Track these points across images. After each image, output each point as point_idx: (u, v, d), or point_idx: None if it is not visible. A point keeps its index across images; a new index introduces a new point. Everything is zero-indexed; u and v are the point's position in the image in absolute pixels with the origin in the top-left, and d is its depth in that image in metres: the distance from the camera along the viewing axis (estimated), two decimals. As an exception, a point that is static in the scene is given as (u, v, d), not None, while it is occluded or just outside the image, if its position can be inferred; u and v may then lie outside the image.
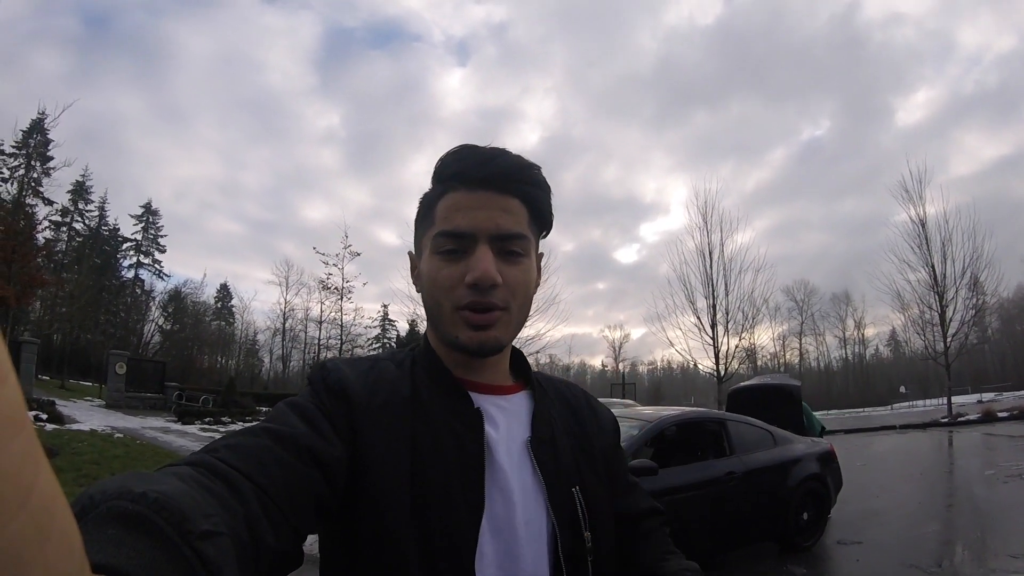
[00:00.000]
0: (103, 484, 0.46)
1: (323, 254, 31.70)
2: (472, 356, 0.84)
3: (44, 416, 14.88)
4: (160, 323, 52.39)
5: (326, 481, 0.69)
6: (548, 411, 0.91)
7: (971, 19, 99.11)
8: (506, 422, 0.86)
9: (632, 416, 5.91)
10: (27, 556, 0.23)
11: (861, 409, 44.23)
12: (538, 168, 0.88)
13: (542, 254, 0.95)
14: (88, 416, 18.13)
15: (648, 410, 6.76)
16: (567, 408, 0.97)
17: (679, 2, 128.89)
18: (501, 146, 0.87)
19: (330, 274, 31.68)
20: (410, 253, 0.95)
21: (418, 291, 0.91)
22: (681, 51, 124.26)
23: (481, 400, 0.85)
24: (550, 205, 0.90)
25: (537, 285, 0.91)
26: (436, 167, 0.87)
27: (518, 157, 0.86)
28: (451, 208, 0.83)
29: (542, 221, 0.90)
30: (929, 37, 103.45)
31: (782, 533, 5.92)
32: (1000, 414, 21.89)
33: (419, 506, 0.74)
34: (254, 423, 0.73)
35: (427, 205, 0.88)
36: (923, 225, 25.18)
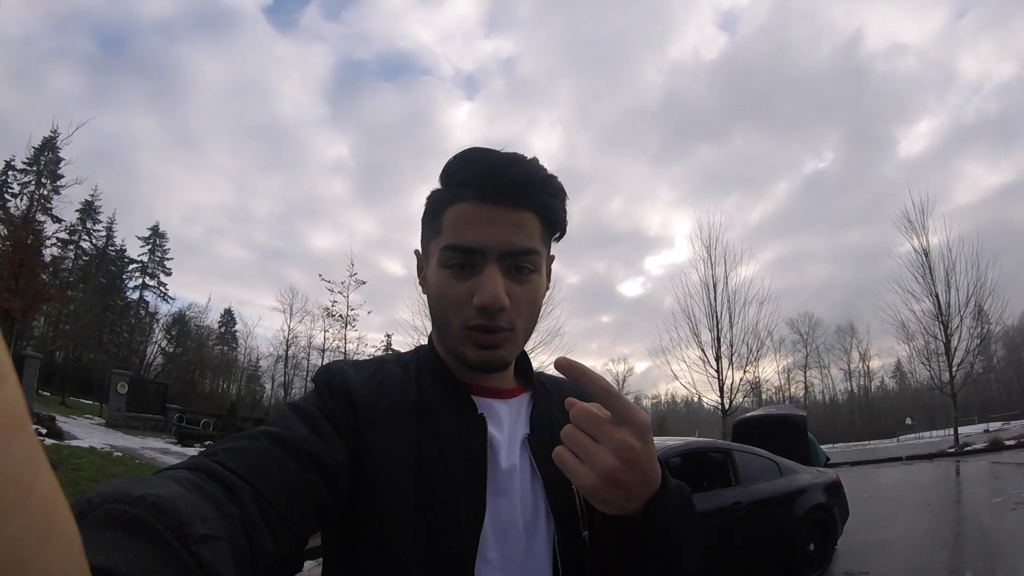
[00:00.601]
0: (101, 487, 0.46)
1: (328, 282, 31.73)
2: (477, 372, 0.84)
3: (44, 431, 14.92)
4: (163, 345, 52.35)
5: (327, 485, 0.68)
6: (549, 410, 0.90)
7: (971, 48, 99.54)
8: (509, 424, 0.86)
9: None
10: (27, 556, 0.23)
11: (867, 442, 44.02)
12: (555, 178, 0.85)
13: (553, 256, 0.93)
14: (88, 433, 18.09)
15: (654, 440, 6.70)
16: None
17: (684, 36, 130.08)
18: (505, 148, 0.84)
19: (335, 302, 31.66)
20: (417, 252, 0.93)
21: (423, 293, 0.90)
22: (686, 85, 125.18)
23: (485, 403, 0.85)
24: (565, 211, 0.87)
25: (547, 290, 0.90)
26: (445, 169, 0.84)
27: (534, 165, 0.83)
28: (460, 220, 0.80)
29: (555, 228, 0.88)
30: (930, 67, 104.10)
31: (788, 564, 5.82)
32: (1007, 442, 21.72)
33: (422, 510, 0.74)
34: (256, 427, 0.73)
35: (435, 208, 0.85)
36: (926, 255, 25.11)
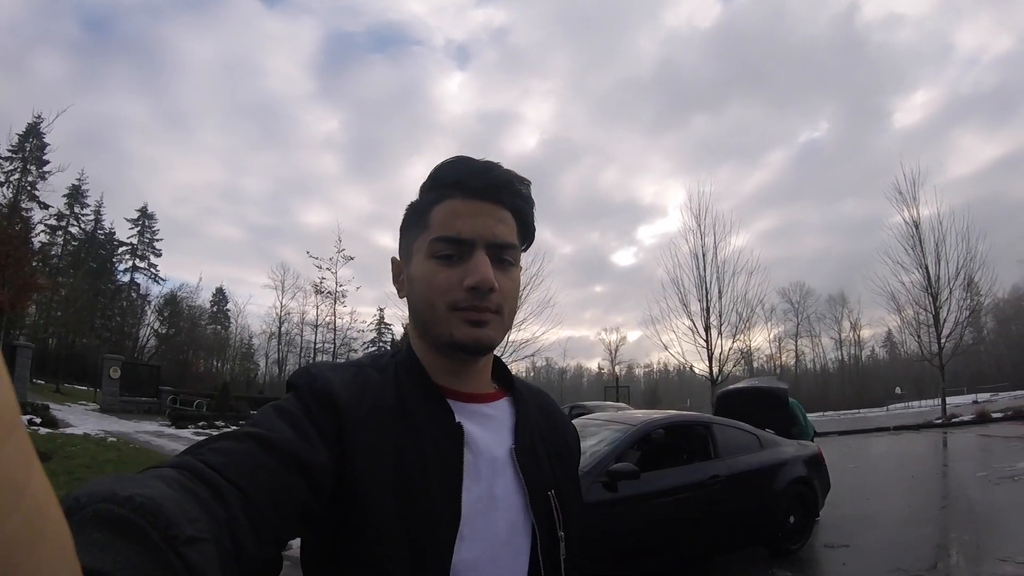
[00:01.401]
0: (89, 486, 0.46)
1: (316, 258, 31.70)
2: (466, 353, 0.86)
3: (38, 420, 14.94)
4: (156, 327, 52.24)
5: (311, 488, 0.68)
6: (528, 418, 0.93)
7: (970, 19, 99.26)
8: (490, 430, 0.87)
9: (617, 420, 5.89)
10: (19, 557, 0.23)
11: (857, 410, 44.37)
12: (528, 184, 0.92)
13: (522, 267, 0.96)
14: (82, 420, 18.15)
15: (637, 414, 6.74)
16: (544, 414, 1.00)
17: (678, 4, 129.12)
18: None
19: (323, 278, 31.66)
20: (394, 259, 0.97)
21: (401, 297, 0.93)
22: (680, 54, 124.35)
23: (464, 408, 0.86)
24: (533, 219, 0.93)
25: (519, 293, 0.95)
26: (432, 174, 0.90)
27: (511, 171, 0.90)
28: (450, 214, 0.85)
29: (527, 234, 0.93)
30: (928, 38, 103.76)
31: (769, 537, 5.91)
32: (995, 415, 21.89)
33: (402, 513, 0.75)
34: (240, 426, 0.72)
35: (419, 211, 0.89)
36: (917, 227, 25.23)
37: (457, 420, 0.84)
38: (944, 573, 5.37)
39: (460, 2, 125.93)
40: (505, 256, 0.86)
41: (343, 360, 1.00)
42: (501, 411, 0.92)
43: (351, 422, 0.77)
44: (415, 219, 0.90)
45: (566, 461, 0.97)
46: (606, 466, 4.78)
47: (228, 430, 0.71)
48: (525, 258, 0.99)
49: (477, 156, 0.90)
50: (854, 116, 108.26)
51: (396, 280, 0.95)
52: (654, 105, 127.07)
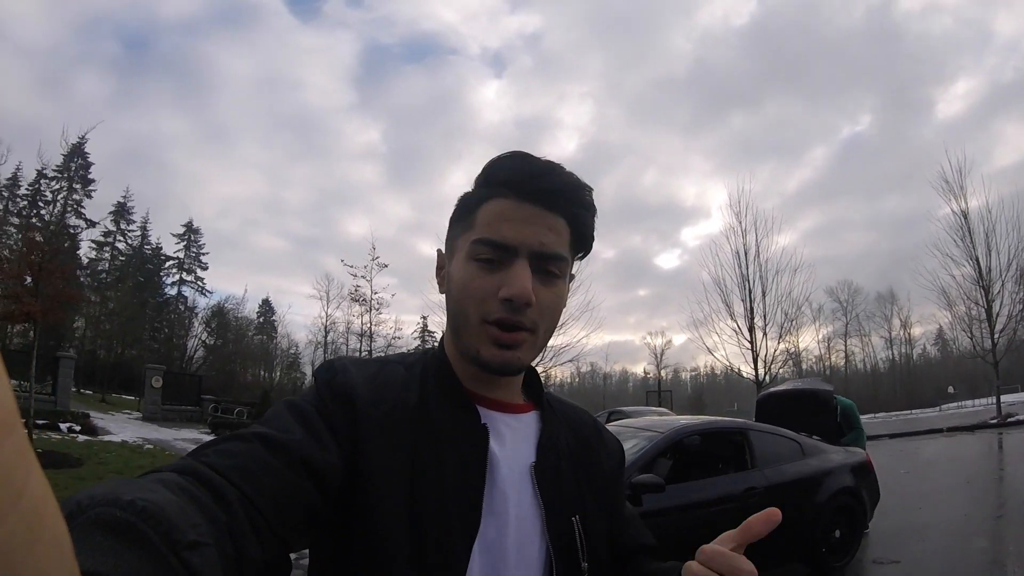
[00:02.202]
0: (91, 490, 0.46)
1: (351, 266, 32.00)
2: (491, 373, 0.82)
3: (77, 428, 15.47)
4: (203, 338, 53.47)
5: (319, 490, 0.67)
6: (556, 436, 0.89)
7: (1006, 5, 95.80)
8: (512, 442, 0.84)
9: (646, 427, 5.60)
10: (17, 558, 0.23)
11: (908, 411, 43.18)
12: (590, 190, 0.86)
13: (573, 276, 0.92)
14: (122, 428, 18.59)
15: (670, 420, 6.42)
16: (574, 434, 0.94)
17: (712, 2, 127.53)
18: (538, 155, 0.84)
19: (358, 286, 31.96)
20: (439, 251, 0.92)
21: (441, 292, 0.90)
22: (716, 52, 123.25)
23: (489, 417, 0.83)
24: (593, 228, 0.88)
25: (564, 306, 0.88)
26: (485, 169, 0.85)
27: (572, 175, 0.84)
28: (496, 216, 0.80)
29: (582, 243, 0.88)
30: (966, 26, 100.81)
31: (811, 553, 5.51)
32: (1053, 413, 20.91)
33: (415, 519, 0.72)
34: (250, 426, 0.70)
35: (468, 206, 0.85)
36: (965, 217, 24.49)
37: (483, 422, 0.81)
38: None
39: (493, 9, 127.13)
40: (550, 268, 0.81)
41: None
42: (526, 425, 0.88)
43: (367, 421, 0.75)
44: (463, 214, 0.86)
45: (597, 484, 0.91)
46: (629, 477, 4.47)
47: (237, 430, 0.68)
48: None
49: (537, 156, 0.84)
50: (895, 109, 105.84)
51: (438, 273, 0.91)
52: (691, 104, 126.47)
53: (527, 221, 0.80)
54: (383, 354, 1.02)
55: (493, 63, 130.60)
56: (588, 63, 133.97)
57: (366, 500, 0.72)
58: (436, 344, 0.93)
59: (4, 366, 0.24)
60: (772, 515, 0.68)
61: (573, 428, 0.95)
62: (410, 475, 0.74)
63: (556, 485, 0.84)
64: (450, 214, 0.88)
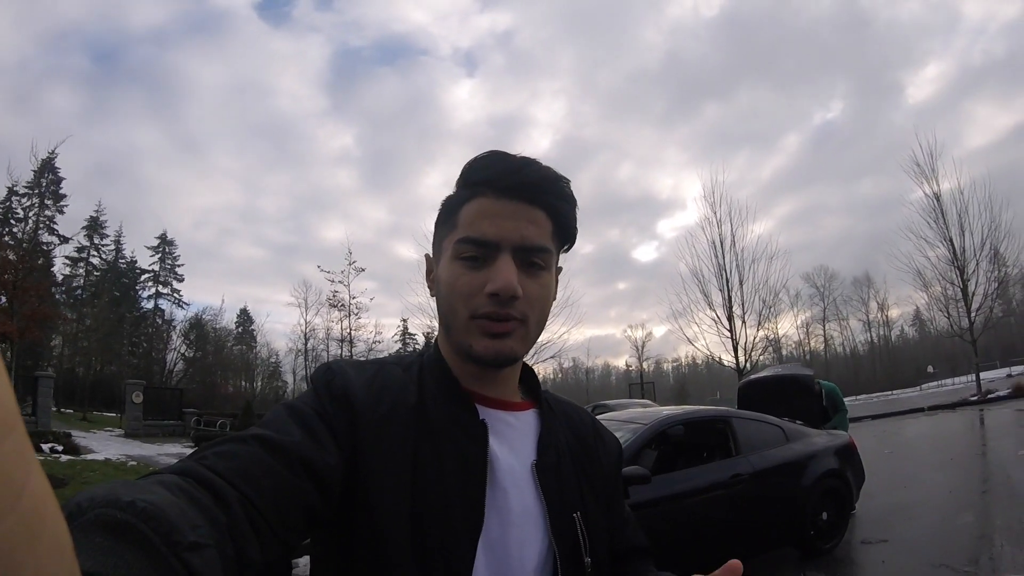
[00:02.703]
0: (91, 491, 0.46)
1: (328, 272, 31.80)
2: (485, 366, 0.83)
3: (60, 448, 15.11)
4: (182, 351, 52.95)
5: (319, 492, 0.67)
6: (555, 433, 0.90)
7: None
8: (512, 440, 0.84)
9: (630, 419, 5.58)
10: (17, 558, 0.23)
11: (890, 392, 43.64)
12: (567, 181, 0.86)
13: (560, 268, 0.93)
14: (105, 446, 18.32)
15: (652, 410, 6.41)
16: (573, 432, 0.95)
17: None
18: (513, 152, 0.85)
19: (336, 292, 31.75)
20: (427, 256, 0.93)
21: (432, 295, 0.90)
22: (687, 44, 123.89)
23: (488, 414, 0.84)
24: (575, 219, 0.88)
25: (553, 298, 0.89)
26: (464, 170, 0.86)
27: (548, 168, 0.85)
28: (477, 214, 0.81)
29: (566, 235, 0.88)
30: (934, 10, 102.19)
31: (800, 536, 5.53)
32: (1031, 387, 21.22)
33: (417, 519, 0.72)
34: (248, 428, 0.70)
35: (450, 209, 0.86)
36: (938, 199, 24.87)
37: (481, 418, 0.82)
38: (991, 566, 4.97)
39: (463, 9, 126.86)
40: (534, 260, 0.82)
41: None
42: (525, 422, 0.88)
43: (367, 422, 0.76)
44: (446, 216, 0.87)
45: (597, 481, 0.92)
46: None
47: (236, 432, 0.68)
48: None
49: (513, 153, 0.85)
50: (867, 94, 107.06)
51: (427, 277, 0.93)
52: (664, 97, 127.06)
53: (507, 216, 0.80)
54: (364, 358, 1.00)
55: (465, 63, 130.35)
56: (560, 59, 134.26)
57: (367, 501, 0.72)
58: (431, 345, 0.93)
59: (4, 366, 0.24)
60: (733, 569, 0.71)
61: (572, 426, 0.96)
62: (411, 475, 0.74)
63: (557, 483, 0.84)
64: (433, 217, 0.89)
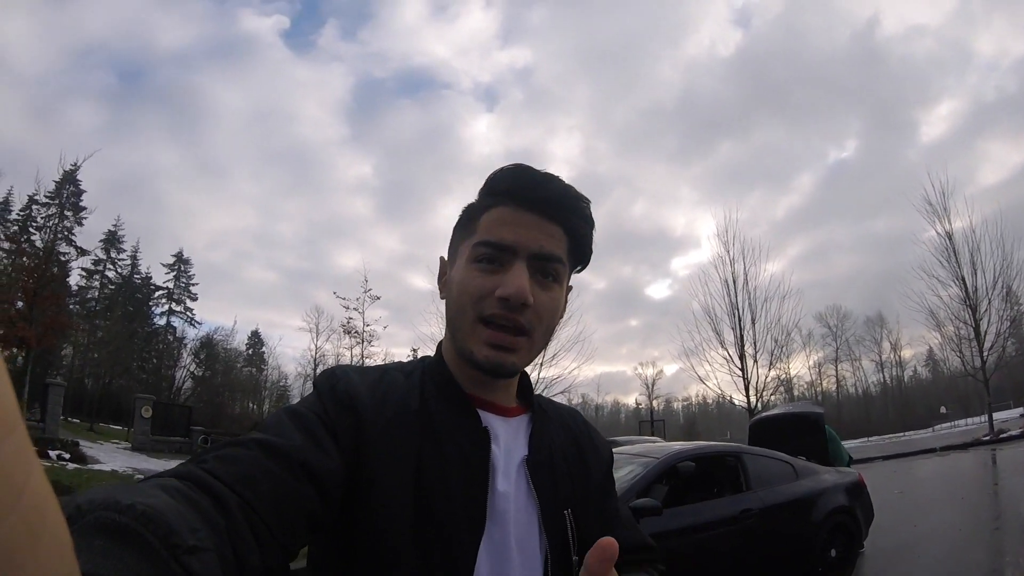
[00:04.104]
0: (90, 494, 0.46)
1: (343, 299, 31.93)
2: (485, 375, 0.84)
3: (67, 456, 15.22)
4: (192, 369, 52.92)
5: (320, 496, 0.67)
6: (547, 434, 0.91)
7: (985, 25, 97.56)
8: (507, 442, 0.85)
9: (643, 453, 5.61)
10: (18, 557, 0.23)
11: (902, 433, 43.08)
12: (588, 201, 0.89)
13: (571, 287, 0.94)
14: (112, 458, 18.36)
15: (663, 445, 6.43)
16: (567, 433, 0.97)
17: (698, 32, 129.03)
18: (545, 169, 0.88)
19: (350, 318, 31.83)
20: (442, 258, 0.95)
21: (442, 297, 0.91)
22: (702, 82, 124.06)
23: (487, 419, 0.85)
24: (591, 240, 0.90)
25: (561, 317, 0.91)
26: (488, 180, 0.88)
27: (570, 187, 0.87)
28: (497, 221, 0.84)
29: (580, 255, 0.90)
30: (947, 47, 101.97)
31: (809, 572, 5.50)
32: (1044, 427, 20.97)
33: (420, 521, 0.73)
34: (249, 433, 0.70)
35: (471, 215, 0.88)
36: (950, 238, 24.76)
37: (484, 424, 0.83)
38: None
39: (485, 45, 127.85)
40: (549, 270, 0.84)
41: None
42: (518, 426, 0.89)
43: (371, 427, 0.76)
44: (466, 222, 0.89)
45: (588, 480, 0.93)
46: (627, 502, 4.48)
47: (236, 437, 0.69)
48: None
49: (537, 168, 0.88)
50: (880, 132, 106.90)
51: (440, 279, 0.94)
52: (679, 134, 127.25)
53: (526, 226, 0.83)
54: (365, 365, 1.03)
55: (485, 97, 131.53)
56: (576, 96, 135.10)
57: (370, 503, 0.73)
58: (432, 353, 0.95)
59: (5, 366, 0.24)
60: (604, 547, 0.61)
61: (565, 427, 0.97)
62: (414, 478, 0.75)
63: (549, 479, 0.86)
64: (448, 237, 0.92)
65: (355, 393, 0.78)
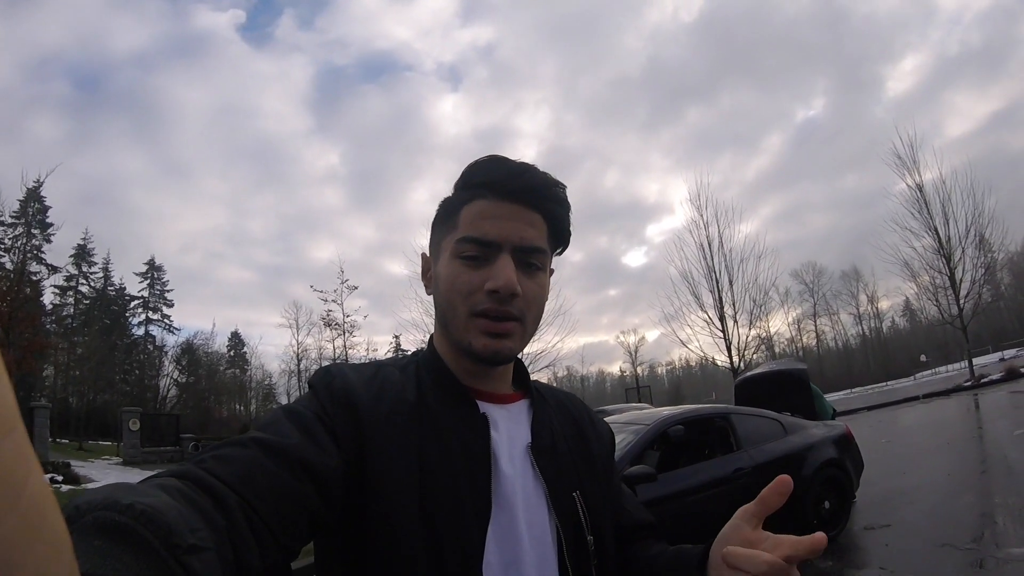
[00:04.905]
0: (89, 494, 0.46)
1: (320, 291, 31.65)
2: (483, 364, 0.85)
3: (59, 478, 14.98)
4: (175, 377, 52.41)
5: (319, 494, 0.67)
6: (548, 419, 0.92)
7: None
8: (508, 429, 0.86)
9: (632, 420, 5.66)
10: (17, 558, 0.23)
11: (884, 383, 43.88)
12: (563, 187, 0.90)
13: (553, 270, 0.96)
14: (104, 475, 18.13)
15: (652, 412, 6.49)
16: (567, 416, 0.98)
17: (661, 0, 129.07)
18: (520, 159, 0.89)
19: (330, 311, 31.59)
20: (424, 255, 0.95)
21: (429, 293, 0.92)
22: (668, 49, 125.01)
23: (485, 407, 0.86)
24: (569, 223, 0.92)
25: (547, 300, 0.92)
26: (464, 173, 0.89)
27: (546, 174, 0.88)
28: (478, 215, 0.84)
29: (560, 238, 0.91)
30: (910, 2, 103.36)
31: (803, 526, 5.60)
32: (1023, 370, 21.41)
33: (428, 513, 0.74)
34: (247, 432, 0.70)
35: (450, 209, 0.89)
36: (920, 190, 25.13)
37: (482, 412, 0.84)
38: (993, 543, 5.06)
39: (446, 24, 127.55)
40: (532, 260, 0.85)
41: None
42: (519, 412, 0.91)
43: (371, 422, 0.76)
44: (445, 217, 0.89)
45: (592, 462, 0.94)
46: (621, 470, 4.53)
47: (234, 437, 0.68)
48: None
49: (512, 159, 0.89)
50: (847, 90, 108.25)
51: (424, 276, 0.95)
52: (647, 102, 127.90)
53: (507, 218, 0.83)
54: (360, 362, 1.04)
55: (449, 77, 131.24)
56: (542, 70, 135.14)
57: (378, 497, 0.73)
58: (422, 348, 0.95)
59: (4, 366, 0.23)
60: (783, 483, 0.68)
61: (564, 411, 0.99)
62: (419, 470, 0.76)
63: (554, 463, 0.86)
64: (423, 233, 0.91)
65: (351, 390, 0.79)
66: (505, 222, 0.83)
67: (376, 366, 0.88)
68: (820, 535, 0.63)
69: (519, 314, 0.83)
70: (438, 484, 0.76)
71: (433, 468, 0.77)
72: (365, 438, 0.75)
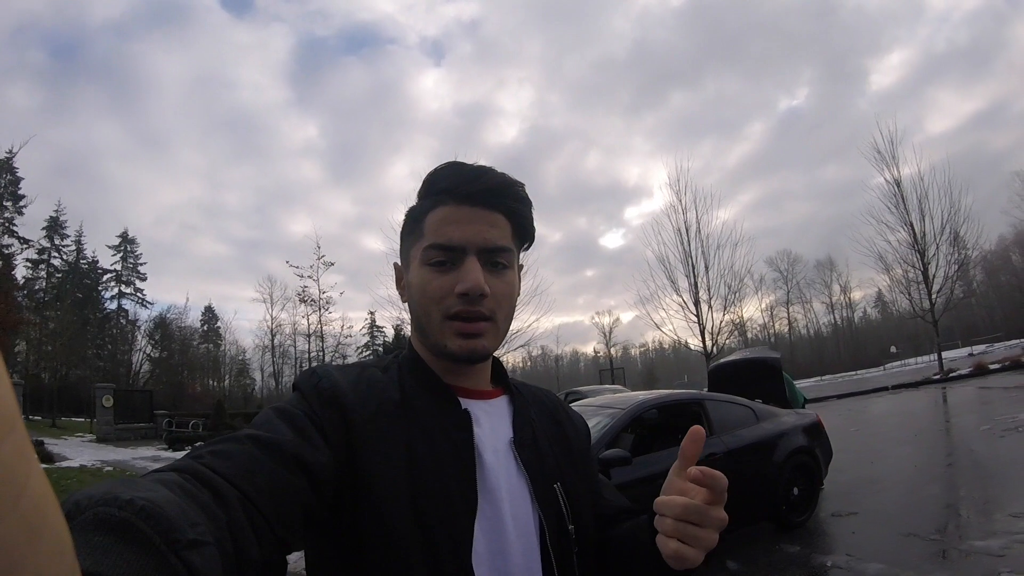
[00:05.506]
0: (89, 490, 0.46)
1: (296, 267, 31.39)
2: (461, 364, 0.88)
3: (32, 457, 14.68)
4: (148, 352, 51.90)
5: (313, 489, 0.69)
6: (528, 413, 0.95)
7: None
8: (490, 424, 0.89)
9: (607, 404, 5.73)
10: (17, 557, 0.23)
11: (854, 372, 44.45)
12: (522, 185, 0.92)
13: (522, 266, 0.99)
14: (78, 452, 18.04)
15: (627, 396, 6.56)
16: (545, 411, 1.01)
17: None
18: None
19: (305, 287, 31.39)
20: (396, 265, 0.98)
21: (404, 301, 0.95)
22: (654, 32, 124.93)
23: (467, 403, 0.88)
24: (532, 219, 0.94)
25: (517, 294, 0.95)
26: (425, 182, 0.91)
27: (504, 175, 0.90)
28: (441, 221, 0.86)
29: (524, 234, 0.94)
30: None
31: (774, 511, 5.76)
32: (992, 366, 21.77)
33: (419, 506, 0.76)
34: (240, 430, 0.71)
35: (415, 218, 0.91)
36: (898, 185, 25.27)
37: (464, 407, 0.86)
38: (956, 534, 5.21)
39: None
40: (498, 260, 0.87)
41: (340, 364, 0.98)
42: (499, 407, 0.93)
43: (358, 422, 0.78)
44: (411, 226, 0.92)
45: (571, 454, 0.97)
46: (596, 453, 4.60)
47: (229, 434, 0.70)
48: None
49: (460, 151, 0.89)
50: (831, 81, 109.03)
51: (398, 285, 0.97)
52: (631, 85, 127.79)
53: (470, 221, 0.86)
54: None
55: (432, 52, 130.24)
56: (527, 48, 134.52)
57: (370, 495, 0.75)
58: (403, 348, 0.98)
59: (5, 365, 0.23)
60: (696, 432, 0.76)
61: (542, 406, 1.02)
62: (407, 465, 0.78)
63: (536, 456, 0.89)
64: (401, 208, 0.94)
65: (338, 390, 0.80)
66: (468, 225, 0.86)
67: (360, 367, 0.90)
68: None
69: (490, 313, 0.86)
70: (427, 479, 0.78)
71: (421, 464, 0.79)
72: (354, 437, 0.77)
